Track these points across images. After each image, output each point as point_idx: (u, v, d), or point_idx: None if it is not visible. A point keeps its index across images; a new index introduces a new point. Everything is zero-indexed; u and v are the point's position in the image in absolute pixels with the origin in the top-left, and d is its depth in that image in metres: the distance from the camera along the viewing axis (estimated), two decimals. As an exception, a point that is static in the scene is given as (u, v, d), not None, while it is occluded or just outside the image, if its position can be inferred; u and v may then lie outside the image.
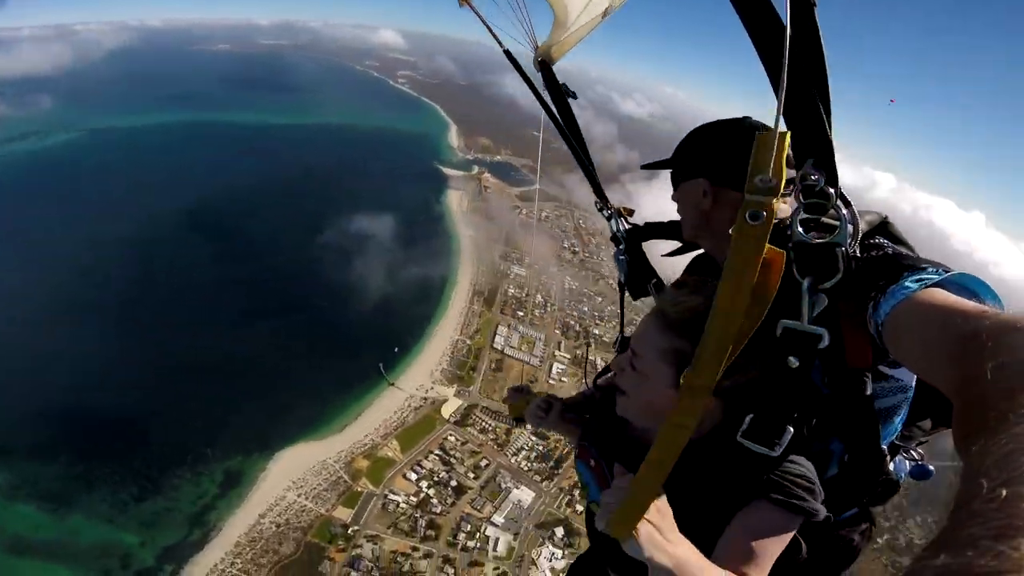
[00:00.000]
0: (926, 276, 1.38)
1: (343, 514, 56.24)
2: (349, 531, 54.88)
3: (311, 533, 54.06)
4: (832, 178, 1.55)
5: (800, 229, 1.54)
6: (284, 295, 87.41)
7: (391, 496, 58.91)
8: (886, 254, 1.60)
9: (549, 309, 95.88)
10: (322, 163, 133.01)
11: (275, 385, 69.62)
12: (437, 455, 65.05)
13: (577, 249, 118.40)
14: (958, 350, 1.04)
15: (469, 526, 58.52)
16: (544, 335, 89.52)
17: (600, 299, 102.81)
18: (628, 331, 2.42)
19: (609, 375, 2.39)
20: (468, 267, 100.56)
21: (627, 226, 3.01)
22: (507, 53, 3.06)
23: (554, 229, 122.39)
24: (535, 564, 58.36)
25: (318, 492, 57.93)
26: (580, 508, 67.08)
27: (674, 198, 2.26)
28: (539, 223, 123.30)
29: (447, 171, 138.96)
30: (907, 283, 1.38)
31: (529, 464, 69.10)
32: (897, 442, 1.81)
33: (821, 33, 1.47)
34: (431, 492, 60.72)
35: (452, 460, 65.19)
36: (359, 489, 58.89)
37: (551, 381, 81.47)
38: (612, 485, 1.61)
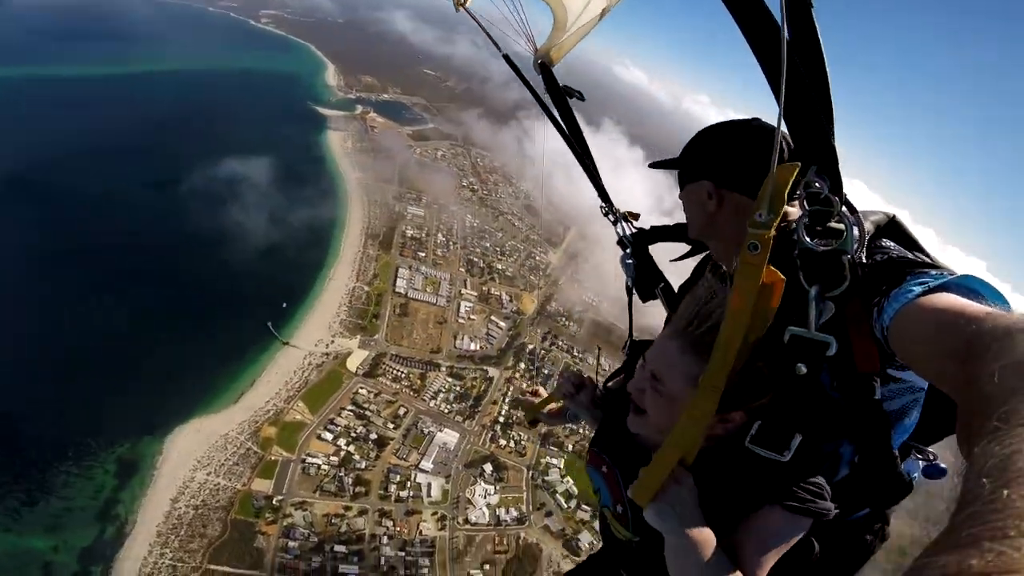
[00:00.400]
0: (929, 279, 1.40)
1: (262, 486, 53.19)
2: (274, 502, 52.16)
3: (234, 511, 51.04)
4: (836, 184, 1.58)
5: (806, 236, 1.55)
6: (146, 256, 75.81)
7: (309, 460, 56.16)
8: (890, 258, 1.62)
9: (452, 247, 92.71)
10: (172, 112, 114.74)
11: (153, 359, 61.60)
12: (350, 411, 62.03)
13: (476, 187, 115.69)
14: (962, 352, 1.06)
15: (398, 476, 57.61)
16: (449, 274, 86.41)
17: (501, 234, 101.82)
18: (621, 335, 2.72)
19: (620, 378, 2.46)
20: (358, 210, 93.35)
21: (633, 230, 3.00)
22: (507, 58, 3.20)
23: (451, 167, 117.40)
24: (471, 503, 58.92)
25: (228, 467, 53.94)
26: (504, 443, 67.28)
27: (680, 198, 2.23)
28: (435, 161, 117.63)
29: (325, 111, 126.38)
30: (911, 286, 1.40)
31: (449, 406, 68.15)
32: (910, 442, 1.82)
33: (820, 35, 1.48)
34: (351, 449, 58.37)
35: (367, 413, 62.43)
36: (273, 458, 55.49)
37: (460, 320, 79.20)
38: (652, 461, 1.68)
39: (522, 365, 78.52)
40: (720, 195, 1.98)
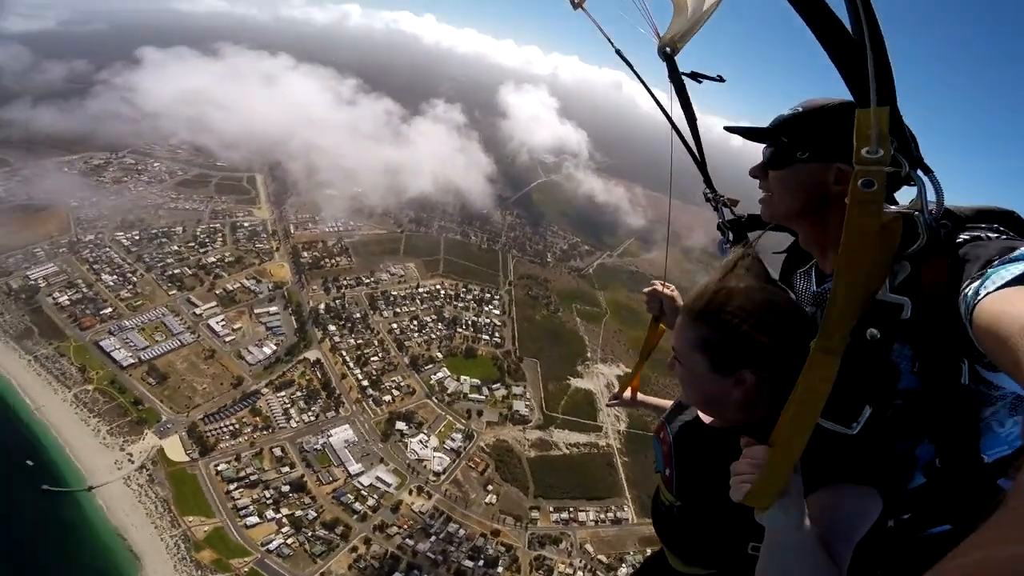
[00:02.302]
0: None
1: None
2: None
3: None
4: (904, 145, 1.56)
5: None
6: None
7: (272, 546, 48.86)
8: (991, 238, 1.59)
9: (136, 278, 75.61)
10: None
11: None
12: (237, 488, 52.74)
13: (94, 199, 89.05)
14: None
15: (348, 495, 54.03)
16: (163, 307, 71.95)
17: (180, 229, 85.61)
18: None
19: None
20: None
21: (731, 217, 3.08)
22: (618, 52, 3.33)
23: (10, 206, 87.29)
24: (422, 460, 58.94)
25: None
26: (388, 398, 63.02)
27: (774, 176, 2.15)
28: None
29: None
30: (1003, 270, 1.37)
31: (310, 414, 61.89)
32: (1011, 458, 1.74)
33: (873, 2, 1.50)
34: (285, 511, 51.59)
35: (253, 477, 53.88)
36: (246, 570, 47.24)
37: (227, 339, 68.89)
38: (744, 454, 1.61)
39: (332, 328, 72.44)
40: (847, 178, 1.77)
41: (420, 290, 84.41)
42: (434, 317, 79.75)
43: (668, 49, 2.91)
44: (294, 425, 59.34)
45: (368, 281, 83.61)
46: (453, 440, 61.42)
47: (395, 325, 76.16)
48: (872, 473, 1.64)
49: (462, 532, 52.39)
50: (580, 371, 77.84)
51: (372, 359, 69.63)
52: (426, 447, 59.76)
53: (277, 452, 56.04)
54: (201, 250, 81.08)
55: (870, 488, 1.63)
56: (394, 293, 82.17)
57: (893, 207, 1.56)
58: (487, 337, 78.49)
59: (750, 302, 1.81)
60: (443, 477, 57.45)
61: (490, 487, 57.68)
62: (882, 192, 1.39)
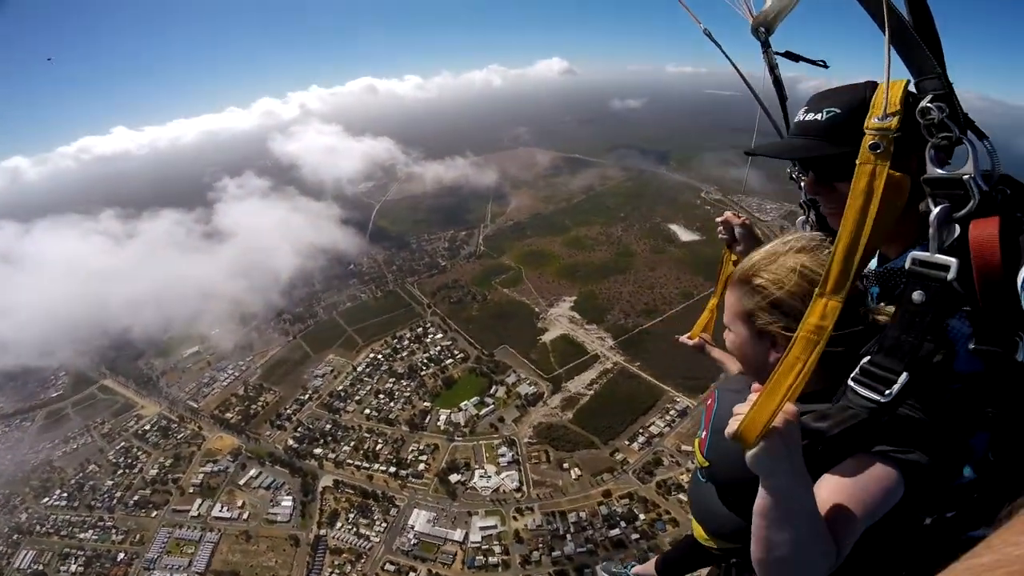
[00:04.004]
0: None
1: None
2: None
3: None
4: (954, 113, 1.73)
5: (933, 164, 1.73)
6: None
7: None
8: None
9: None
10: None
11: None
12: None
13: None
14: None
15: (477, 557, 58.17)
16: (152, 543, 66.51)
17: (96, 468, 78.17)
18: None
19: None
20: None
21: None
22: (707, 32, 3.39)
23: None
24: (497, 489, 64.45)
25: None
26: (423, 466, 67.31)
27: (834, 186, 2.12)
28: None
29: None
30: None
31: (380, 523, 64.34)
32: None
33: None
34: None
35: None
36: None
37: (244, 526, 66.44)
38: (748, 398, 1.68)
39: (318, 451, 74.62)
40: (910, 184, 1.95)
41: (359, 369, 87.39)
42: (393, 379, 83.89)
43: (763, 28, 2.95)
44: (376, 540, 62.03)
45: (307, 396, 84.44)
46: (503, 456, 67.99)
47: (367, 410, 79.14)
48: (904, 451, 1.63)
49: (582, 514, 59.39)
50: (542, 326, 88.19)
51: (378, 448, 72.96)
52: (490, 477, 65.87)
53: (389, 568, 58.94)
54: (135, 471, 77.13)
55: (893, 467, 1.63)
56: (340, 388, 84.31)
57: (940, 171, 1.68)
58: (450, 360, 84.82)
59: (783, 268, 1.93)
60: (524, 488, 63.95)
61: (565, 465, 65.27)
62: (888, 153, 1.61)
